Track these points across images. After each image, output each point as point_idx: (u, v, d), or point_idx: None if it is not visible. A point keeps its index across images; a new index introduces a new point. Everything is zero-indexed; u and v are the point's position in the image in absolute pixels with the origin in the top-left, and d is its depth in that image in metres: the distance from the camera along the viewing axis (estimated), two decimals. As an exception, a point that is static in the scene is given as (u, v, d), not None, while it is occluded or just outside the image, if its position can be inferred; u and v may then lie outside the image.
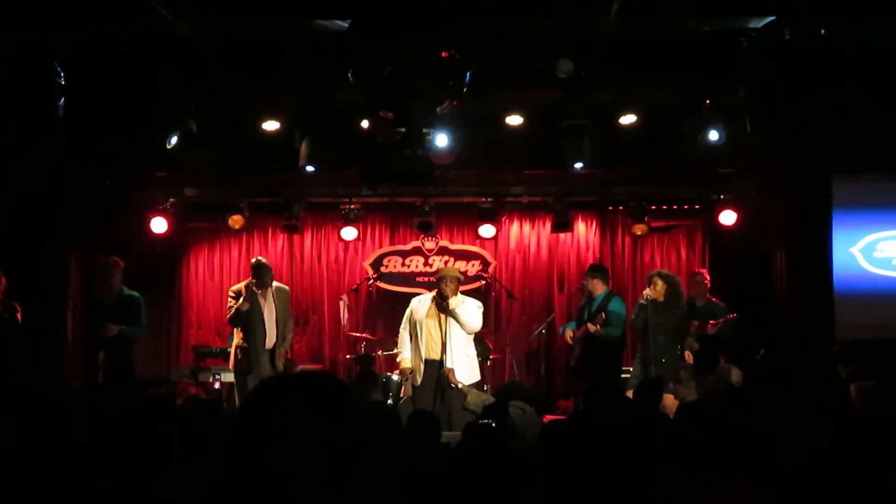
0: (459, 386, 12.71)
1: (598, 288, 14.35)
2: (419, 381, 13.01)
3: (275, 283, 13.81)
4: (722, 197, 15.43)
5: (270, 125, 13.69)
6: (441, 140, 13.14)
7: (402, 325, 13.49)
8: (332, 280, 17.13)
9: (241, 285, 13.59)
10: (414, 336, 13.18)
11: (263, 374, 13.00)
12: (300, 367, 14.89)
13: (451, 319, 12.92)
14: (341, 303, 15.90)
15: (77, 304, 14.61)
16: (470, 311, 13.07)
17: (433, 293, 13.33)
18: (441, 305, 12.96)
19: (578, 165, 13.52)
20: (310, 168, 13.40)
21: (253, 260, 14.11)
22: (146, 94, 12.59)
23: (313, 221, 16.91)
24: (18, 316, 12.84)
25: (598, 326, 13.86)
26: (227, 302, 13.84)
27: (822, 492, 3.88)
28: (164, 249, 16.34)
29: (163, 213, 15.58)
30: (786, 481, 4.63)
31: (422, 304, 13.32)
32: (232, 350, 13.66)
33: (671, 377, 12.53)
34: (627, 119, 13.76)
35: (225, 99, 13.29)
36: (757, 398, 8.85)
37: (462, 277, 13.75)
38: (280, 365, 13.55)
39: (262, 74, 12.33)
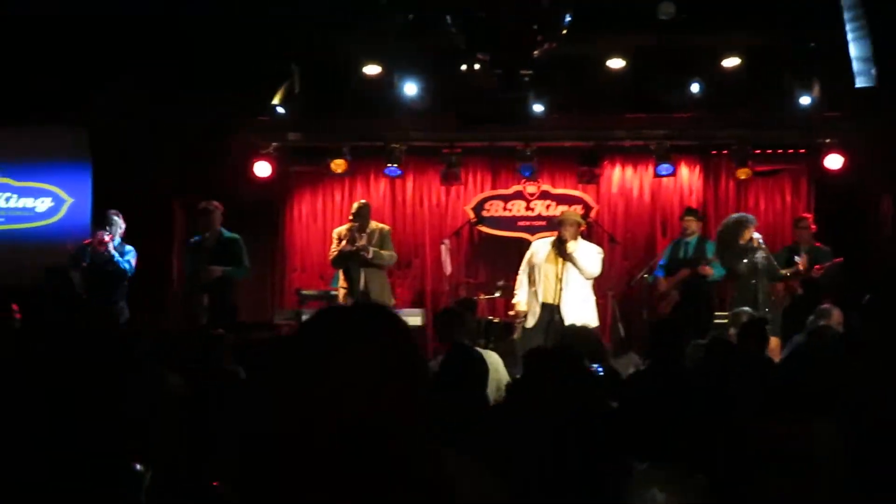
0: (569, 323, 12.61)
1: (697, 230, 14.30)
2: (531, 323, 12.99)
3: (375, 224, 13.84)
4: (827, 141, 15.21)
5: (371, 69, 13.73)
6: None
7: (521, 268, 13.46)
8: (434, 224, 17.15)
9: (344, 228, 13.66)
10: (532, 279, 13.15)
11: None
12: (403, 309, 14.94)
13: (568, 263, 12.87)
14: (443, 247, 15.91)
15: (181, 247, 14.84)
16: (589, 255, 13.00)
17: (552, 237, 13.28)
18: (560, 249, 12.91)
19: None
20: (280, 110, 13.40)
21: (355, 203, 14.16)
22: (249, 38, 12.70)
23: (415, 165, 16.93)
24: (133, 261, 13.11)
25: (710, 267, 13.79)
26: (330, 244, 13.94)
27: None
28: (267, 194, 16.51)
29: (266, 157, 15.73)
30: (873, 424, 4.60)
31: (541, 247, 13.26)
32: (338, 293, 13.76)
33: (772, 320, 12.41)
34: (731, 62, 13.61)
35: (326, 43, 13.36)
36: (861, 342, 8.76)
37: (582, 222, 13.68)
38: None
39: (361, 19, 12.37)
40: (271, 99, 13.83)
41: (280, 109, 13.95)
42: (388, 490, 2.06)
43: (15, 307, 11.15)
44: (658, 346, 8.10)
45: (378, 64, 13.68)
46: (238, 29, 12.52)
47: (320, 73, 13.78)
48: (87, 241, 13.14)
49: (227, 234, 13.36)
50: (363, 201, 14.15)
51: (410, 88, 13.89)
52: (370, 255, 13.24)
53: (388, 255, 13.68)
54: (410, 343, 2.24)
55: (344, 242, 13.43)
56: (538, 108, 13.89)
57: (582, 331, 10.28)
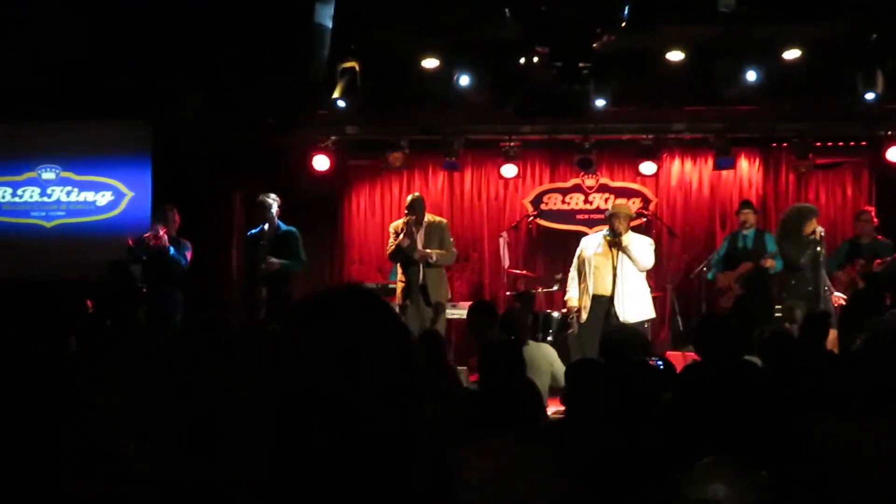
0: (628, 320, 12.59)
1: (754, 223, 14.21)
2: (584, 318, 12.97)
3: (430, 217, 13.85)
4: (889, 133, 15.07)
5: (429, 63, 13.75)
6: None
7: (572, 265, 13.44)
8: (492, 217, 17.15)
9: (401, 222, 13.67)
10: (582, 274, 13.13)
11: (422, 308, 13.13)
12: (460, 303, 14.93)
13: (622, 256, 12.82)
14: (501, 240, 15.89)
15: (240, 240, 14.93)
16: (642, 247, 12.98)
17: (603, 231, 13.25)
18: (613, 242, 12.87)
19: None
20: (341, 103, 13.44)
21: (409, 197, 14.18)
22: (308, 32, 12.74)
23: (473, 159, 16.92)
24: (189, 255, 13.21)
25: (772, 260, 13.71)
26: (387, 238, 13.96)
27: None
28: (326, 187, 16.57)
29: (324, 150, 15.78)
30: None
31: (591, 241, 13.24)
32: (397, 286, 13.78)
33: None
34: (791, 54, 13.51)
35: (385, 37, 13.38)
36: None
37: (633, 214, 13.64)
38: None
39: (420, 12, 12.37)
40: (331, 93, 13.86)
41: (341, 103, 13.99)
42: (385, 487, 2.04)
43: (90, 303, 11.28)
44: (710, 340, 8.08)
45: (436, 57, 13.68)
46: (298, 23, 12.56)
47: (379, 66, 13.80)
48: (145, 235, 13.24)
49: (284, 227, 13.41)
50: (416, 194, 14.15)
51: (468, 81, 13.89)
52: (434, 259, 13.26)
53: (450, 253, 13.70)
54: (388, 323, 2.19)
55: (401, 236, 13.44)
56: (597, 101, 13.86)
57: (626, 328, 10.25)
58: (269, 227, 13.37)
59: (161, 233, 12.96)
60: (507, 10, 9.95)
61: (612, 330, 10.39)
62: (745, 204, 14.65)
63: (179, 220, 13.33)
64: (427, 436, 2.10)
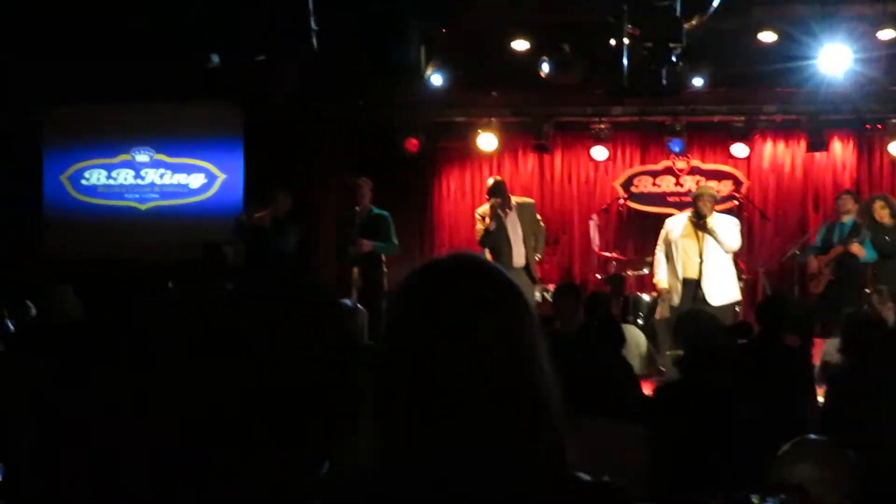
0: (715, 304, 12.52)
1: (853, 211, 13.98)
2: (676, 301, 12.91)
3: (516, 199, 13.86)
4: None
5: (519, 45, 13.73)
6: None
7: (657, 247, 13.37)
8: (582, 200, 17.11)
9: (486, 207, 13.69)
10: (670, 256, 13.06)
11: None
12: (550, 286, 14.91)
13: (708, 238, 12.74)
14: (591, 223, 15.87)
15: (331, 222, 15.02)
16: (728, 228, 12.88)
17: (688, 213, 13.19)
18: (698, 224, 12.80)
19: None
20: (545, 70, 13.42)
21: (489, 180, 14.21)
22: (396, 13, 12.76)
23: (563, 141, 16.89)
24: (295, 237, 13.31)
25: (860, 246, 13.53)
26: (476, 223, 13.99)
27: None
28: (415, 170, 16.63)
29: (414, 133, 15.81)
30: None
31: (677, 223, 13.17)
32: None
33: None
34: (886, 34, 13.32)
35: (474, 18, 13.37)
36: None
37: (718, 196, 13.57)
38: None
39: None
40: (420, 74, 13.88)
41: (433, 82, 13.98)
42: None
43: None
44: (765, 322, 8.13)
45: (526, 38, 13.65)
46: (387, 4, 12.58)
47: (469, 48, 13.80)
48: (246, 217, 13.36)
49: (376, 210, 13.47)
50: (497, 177, 14.20)
51: (558, 63, 13.84)
52: (540, 257, 13.43)
53: (543, 237, 13.82)
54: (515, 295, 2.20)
55: (488, 220, 13.46)
56: (689, 81, 13.76)
57: (699, 312, 10.19)
58: (361, 209, 13.42)
59: (259, 214, 13.09)
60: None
61: (683, 315, 10.34)
62: (846, 192, 14.46)
63: (288, 203, 13.41)
64: (547, 396, 2.12)
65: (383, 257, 13.48)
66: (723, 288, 12.65)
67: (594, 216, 15.93)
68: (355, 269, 13.23)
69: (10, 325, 10.06)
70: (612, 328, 7.67)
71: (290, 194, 13.46)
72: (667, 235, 13.08)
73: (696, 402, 5.91)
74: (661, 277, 13.13)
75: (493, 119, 15.90)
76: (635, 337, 10.08)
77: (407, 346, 2.10)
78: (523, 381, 2.08)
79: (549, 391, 2.11)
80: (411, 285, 2.19)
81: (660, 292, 13.22)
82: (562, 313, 9.98)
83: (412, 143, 15.78)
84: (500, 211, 13.45)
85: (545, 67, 13.58)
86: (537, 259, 13.98)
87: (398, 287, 2.20)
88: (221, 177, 15.82)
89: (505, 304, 2.17)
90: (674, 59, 10.21)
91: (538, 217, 13.97)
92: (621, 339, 7.74)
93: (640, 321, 14.09)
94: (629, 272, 15.55)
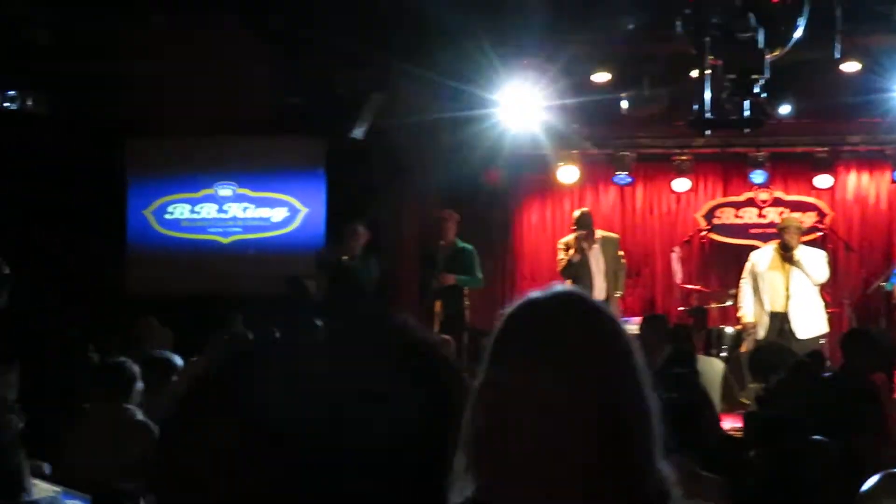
0: (802, 337, 12.43)
1: None
2: (762, 334, 12.82)
3: (600, 233, 13.85)
4: None
5: (600, 77, 13.72)
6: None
7: (742, 280, 13.30)
8: (664, 232, 17.03)
9: (571, 237, 13.69)
10: (756, 290, 12.97)
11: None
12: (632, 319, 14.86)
13: (794, 270, 12.67)
14: (673, 255, 15.81)
15: (412, 255, 15.06)
16: (815, 260, 12.82)
17: (773, 245, 13.10)
18: (785, 256, 12.72)
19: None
20: (625, 104, 13.40)
21: (576, 212, 14.20)
22: (481, 44, 12.80)
23: (644, 173, 16.83)
24: (376, 270, 13.34)
25: None
26: (557, 254, 14.00)
27: None
28: (498, 202, 16.64)
29: (496, 165, 15.81)
30: None
31: (763, 256, 13.11)
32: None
33: None
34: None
35: (555, 51, 13.39)
36: None
37: (804, 228, 13.47)
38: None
39: (588, 25, 12.37)
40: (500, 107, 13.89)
41: (624, 104, 13.92)
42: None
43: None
44: (848, 355, 8.07)
45: (606, 70, 13.64)
46: (469, 35, 12.63)
47: (550, 80, 13.80)
48: (330, 251, 13.42)
49: (461, 243, 13.50)
50: (584, 209, 14.22)
51: (636, 97, 13.82)
52: (620, 293, 13.47)
53: (624, 274, 13.82)
54: (618, 334, 2.17)
55: (572, 251, 13.45)
56: (772, 112, 13.68)
57: (774, 346, 10.11)
58: (446, 242, 13.46)
59: (340, 248, 13.14)
60: (678, 23, 9.89)
61: (758, 349, 10.27)
62: None
63: (367, 236, 13.46)
64: (651, 439, 2.10)
65: (466, 290, 13.50)
66: (810, 321, 12.56)
67: (676, 248, 15.85)
68: (438, 303, 13.27)
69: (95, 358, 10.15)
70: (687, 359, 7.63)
71: (369, 228, 13.52)
72: (752, 268, 13.01)
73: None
74: (747, 311, 13.05)
75: (574, 151, 15.88)
76: (716, 369, 10.00)
77: (504, 384, 2.08)
78: (627, 424, 2.05)
79: (653, 434, 2.09)
80: (511, 321, 2.17)
81: (745, 326, 13.12)
82: (647, 344, 9.94)
83: (493, 176, 15.79)
84: (584, 243, 13.45)
85: (624, 104, 13.58)
86: (617, 296, 13.95)
87: (498, 323, 2.18)
88: (304, 210, 15.89)
89: (609, 343, 2.14)
90: (756, 90, 10.17)
91: (621, 253, 13.98)
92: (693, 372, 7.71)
93: (723, 353, 13.98)
94: (712, 304, 15.44)
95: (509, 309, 2.18)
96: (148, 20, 14.04)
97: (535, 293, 2.20)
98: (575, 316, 2.14)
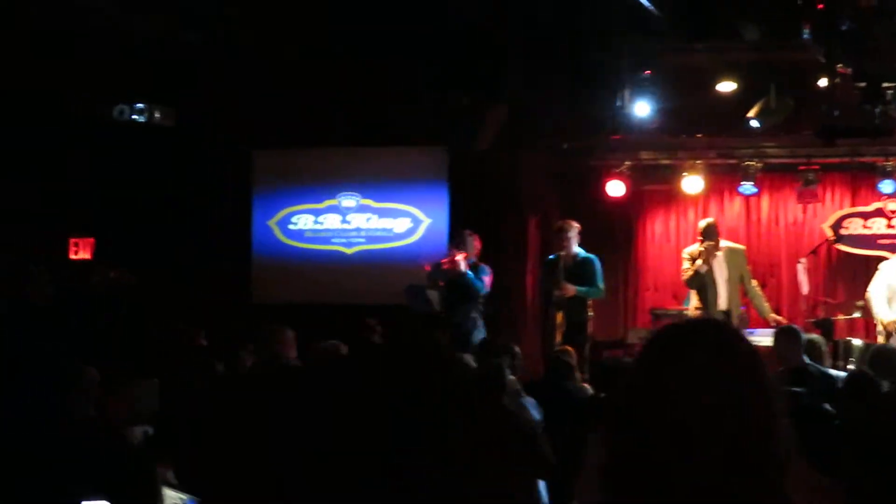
0: None
1: None
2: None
3: (726, 244, 13.74)
4: None
5: (725, 86, 13.59)
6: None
7: (875, 289, 13.10)
8: (790, 243, 16.79)
9: (696, 248, 13.59)
10: (891, 300, 12.80)
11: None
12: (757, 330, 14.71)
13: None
14: (800, 266, 15.57)
15: (536, 265, 15.06)
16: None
17: (902, 255, 12.92)
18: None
19: None
20: (755, 123, 13.25)
21: (702, 222, 14.09)
22: (601, 57, 12.77)
23: (770, 183, 16.62)
24: (487, 280, 13.33)
25: None
26: (682, 264, 13.90)
27: None
28: (620, 212, 16.58)
29: (619, 176, 15.75)
30: None
31: (893, 266, 12.92)
32: (691, 312, 13.68)
33: None
34: None
35: (681, 59, 13.31)
36: None
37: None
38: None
39: (713, 34, 12.27)
40: (624, 117, 13.81)
41: (754, 123, 13.82)
42: None
43: (369, 323, 11.59)
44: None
45: (732, 80, 13.51)
46: (591, 47, 12.60)
47: (674, 89, 13.72)
48: (442, 261, 13.44)
49: (583, 254, 13.45)
50: (710, 219, 14.09)
51: (762, 110, 13.66)
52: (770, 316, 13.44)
53: (755, 281, 13.75)
54: (752, 361, 2.19)
55: (700, 262, 13.36)
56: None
57: (885, 350, 9.94)
58: (567, 252, 13.42)
59: (456, 257, 13.13)
60: (806, 31, 9.76)
61: (877, 352, 10.10)
62: None
63: (480, 245, 13.47)
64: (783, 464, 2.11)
65: (588, 301, 13.44)
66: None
67: (803, 259, 15.61)
68: (559, 314, 13.23)
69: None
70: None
71: (479, 236, 13.51)
72: (885, 279, 12.81)
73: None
74: (884, 313, 12.87)
75: (698, 161, 15.75)
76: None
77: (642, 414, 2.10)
78: (760, 451, 2.07)
79: (785, 459, 2.10)
80: (654, 348, 2.21)
81: (886, 327, 12.93)
82: (782, 355, 9.84)
83: (617, 186, 15.73)
84: (710, 253, 13.36)
85: (754, 123, 13.45)
86: (742, 310, 13.86)
87: (641, 348, 2.22)
88: (426, 221, 15.96)
89: (743, 373, 2.16)
90: (887, 98, 10.02)
91: (746, 263, 13.86)
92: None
93: (851, 366, 13.75)
94: (839, 316, 15.20)
95: (651, 336, 2.27)
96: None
97: (677, 321, 2.29)
98: (714, 347, 2.19)
